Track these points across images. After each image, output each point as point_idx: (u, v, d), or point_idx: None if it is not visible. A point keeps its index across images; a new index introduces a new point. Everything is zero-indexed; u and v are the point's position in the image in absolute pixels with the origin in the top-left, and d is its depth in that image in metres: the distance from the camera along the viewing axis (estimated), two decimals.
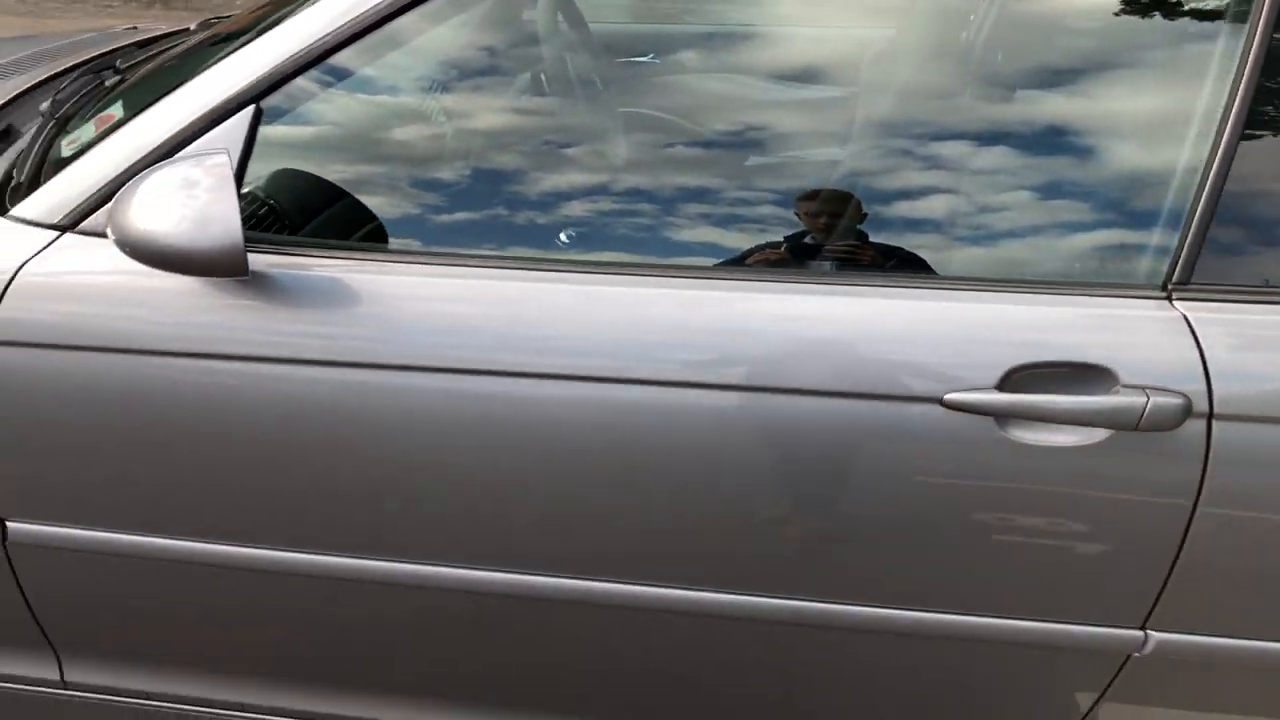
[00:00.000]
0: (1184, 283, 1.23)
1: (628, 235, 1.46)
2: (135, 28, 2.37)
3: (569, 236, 1.43)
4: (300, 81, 1.35)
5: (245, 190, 1.34)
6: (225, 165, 1.22)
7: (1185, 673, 1.31)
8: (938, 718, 1.41)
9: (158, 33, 2.26)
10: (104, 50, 2.09)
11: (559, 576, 1.34)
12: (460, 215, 1.47)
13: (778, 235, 1.43)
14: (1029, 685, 1.36)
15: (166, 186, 1.22)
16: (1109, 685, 1.32)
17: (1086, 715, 1.35)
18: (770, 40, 1.67)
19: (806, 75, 1.63)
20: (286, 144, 1.45)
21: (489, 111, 1.61)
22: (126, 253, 1.24)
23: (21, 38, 2.38)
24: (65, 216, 1.35)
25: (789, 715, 1.44)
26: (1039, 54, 1.46)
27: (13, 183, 1.47)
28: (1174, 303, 1.23)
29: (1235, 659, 1.29)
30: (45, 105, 1.66)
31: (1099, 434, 1.21)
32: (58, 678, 1.56)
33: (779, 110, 1.60)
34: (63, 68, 1.95)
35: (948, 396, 1.21)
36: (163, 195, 1.21)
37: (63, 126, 1.59)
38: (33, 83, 1.87)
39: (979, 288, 1.27)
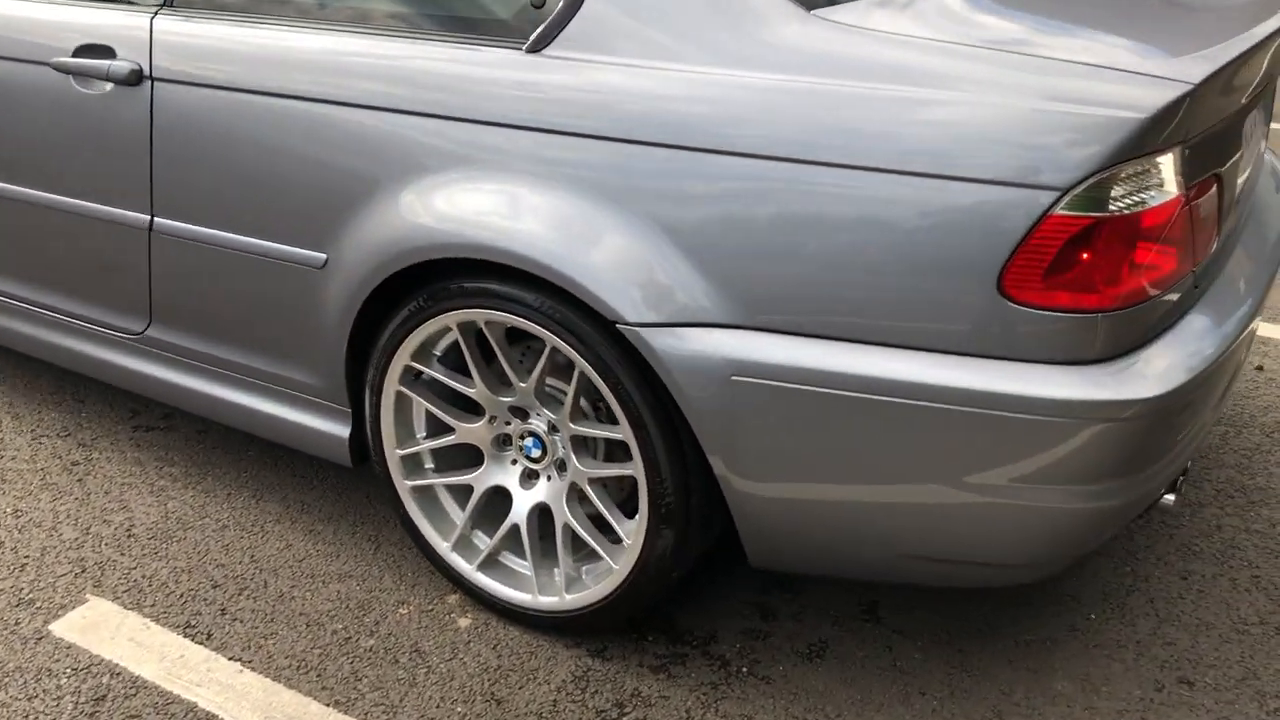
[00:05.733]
0: (168, 5, 2.18)
1: None
2: None
3: None
4: None
5: None
6: None
7: (174, 241, 2.22)
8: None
9: None
10: None
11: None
12: None
13: None
14: (117, 248, 2.32)
15: None
16: (149, 247, 2.25)
17: (149, 278, 2.28)
18: None
19: None
20: None
21: None
22: None
23: None
24: None
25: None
26: None
27: None
28: (156, 19, 2.17)
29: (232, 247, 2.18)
30: None
31: (110, 85, 2.19)
32: None
33: None
34: None
35: (56, 58, 2.24)
36: None
37: None
38: None
39: None
